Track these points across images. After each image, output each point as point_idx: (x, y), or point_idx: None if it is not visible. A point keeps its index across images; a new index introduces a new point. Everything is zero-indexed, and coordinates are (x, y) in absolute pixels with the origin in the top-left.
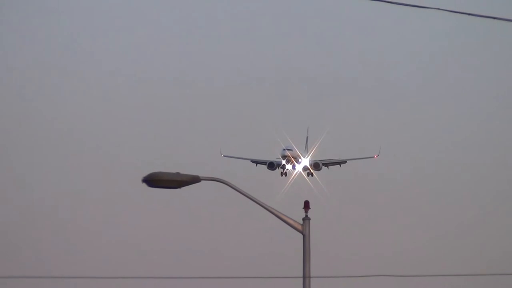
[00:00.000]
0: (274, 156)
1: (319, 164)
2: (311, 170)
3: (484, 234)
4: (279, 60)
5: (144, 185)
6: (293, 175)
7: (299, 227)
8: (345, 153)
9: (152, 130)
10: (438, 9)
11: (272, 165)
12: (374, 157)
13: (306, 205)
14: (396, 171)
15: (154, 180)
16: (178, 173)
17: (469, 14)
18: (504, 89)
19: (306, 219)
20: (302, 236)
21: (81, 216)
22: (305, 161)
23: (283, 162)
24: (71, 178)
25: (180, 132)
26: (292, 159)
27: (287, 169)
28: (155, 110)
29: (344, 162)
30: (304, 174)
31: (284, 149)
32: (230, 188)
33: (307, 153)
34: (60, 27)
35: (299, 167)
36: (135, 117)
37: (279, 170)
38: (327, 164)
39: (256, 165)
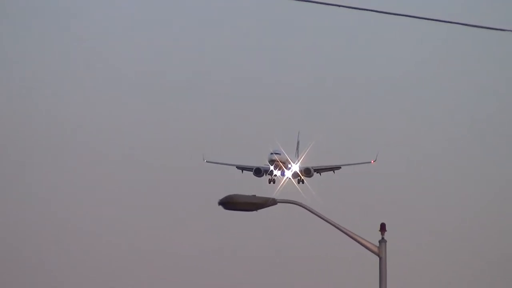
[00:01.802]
0: (261, 161)
1: (310, 170)
2: (302, 177)
3: (484, 236)
4: (270, 61)
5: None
6: (282, 182)
7: (376, 249)
8: (339, 159)
9: (136, 131)
10: (431, 19)
11: (259, 171)
12: (371, 162)
13: (383, 228)
14: (394, 178)
15: (230, 203)
16: (254, 196)
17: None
18: (502, 91)
19: (382, 241)
20: (378, 258)
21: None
22: (295, 167)
23: (271, 167)
24: (72, 178)
25: (164, 133)
26: (281, 164)
27: (275, 175)
28: (139, 111)
29: (338, 168)
30: (294, 181)
31: (271, 153)
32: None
33: (297, 158)
34: (60, 27)
35: (288, 173)
36: (120, 118)
37: (267, 177)
38: (320, 170)
39: (242, 171)
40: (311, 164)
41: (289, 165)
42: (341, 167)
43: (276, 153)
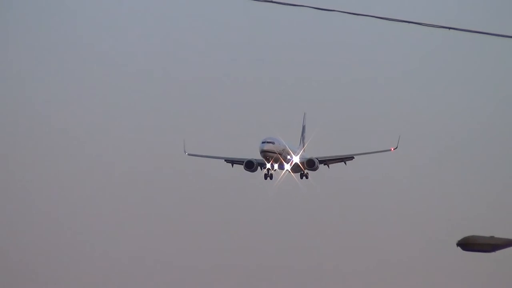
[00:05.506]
0: (255, 153)
1: (314, 162)
2: (305, 170)
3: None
4: (275, 37)
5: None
6: (280, 177)
7: None
8: (352, 147)
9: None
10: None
11: (250, 165)
12: (390, 150)
13: None
14: (419, 166)
15: (469, 244)
16: (492, 237)
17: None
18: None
19: None
20: None
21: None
22: (296, 158)
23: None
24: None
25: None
26: (277, 155)
27: (269, 168)
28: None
29: (351, 158)
30: (295, 176)
31: (262, 142)
32: None
33: (302, 146)
34: (59, 27)
35: (287, 166)
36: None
37: (263, 171)
38: (327, 161)
39: (232, 165)
40: (318, 154)
41: (288, 156)
42: (354, 157)
43: (268, 142)
